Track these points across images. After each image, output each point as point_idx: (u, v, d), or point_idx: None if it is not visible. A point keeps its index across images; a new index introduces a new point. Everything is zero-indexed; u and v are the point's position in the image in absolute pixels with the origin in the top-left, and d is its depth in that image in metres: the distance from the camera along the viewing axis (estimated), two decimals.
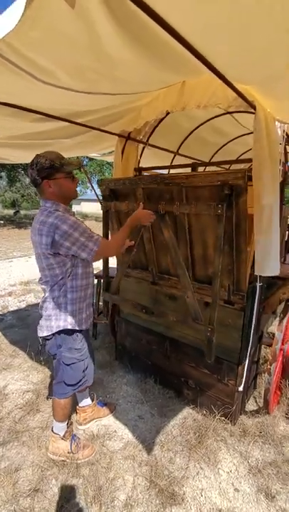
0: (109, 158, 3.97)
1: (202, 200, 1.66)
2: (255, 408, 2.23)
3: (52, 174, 1.47)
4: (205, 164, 2.34)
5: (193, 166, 2.19)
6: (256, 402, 2.29)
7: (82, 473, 1.67)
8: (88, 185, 28.33)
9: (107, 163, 19.93)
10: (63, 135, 2.23)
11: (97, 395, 2.26)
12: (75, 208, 37.16)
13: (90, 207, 38.45)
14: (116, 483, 1.62)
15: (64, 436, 1.79)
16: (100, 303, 3.34)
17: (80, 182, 27.11)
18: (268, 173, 1.58)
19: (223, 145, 3.58)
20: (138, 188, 1.88)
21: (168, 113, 2.20)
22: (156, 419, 2.08)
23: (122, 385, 2.45)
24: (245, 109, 1.65)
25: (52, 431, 1.82)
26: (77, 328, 1.66)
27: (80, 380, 1.75)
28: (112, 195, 2.10)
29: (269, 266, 1.63)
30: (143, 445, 1.86)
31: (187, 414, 2.14)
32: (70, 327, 1.62)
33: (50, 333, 1.62)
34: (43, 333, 1.65)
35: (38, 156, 1.48)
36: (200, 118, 2.87)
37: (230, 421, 1.99)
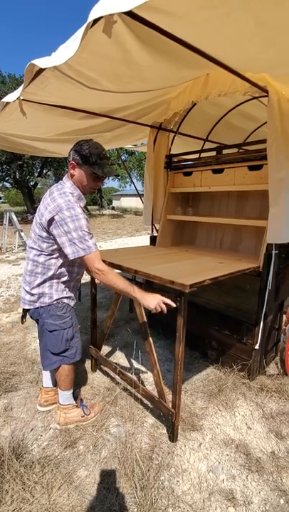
0: (144, 149, 4.30)
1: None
2: (275, 373, 2.42)
3: (82, 163, 1.51)
4: (228, 147, 2.54)
5: (218, 150, 2.42)
6: (277, 368, 2.48)
7: (119, 403, 2.07)
8: (127, 180, 29.04)
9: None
10: (104, 129, 2.62)
11: (131, 354, 2.64)
12: (115, 203, 38.48)
13: (128, 202, 39.45)
14: (145, 411, 1.98)
15: (76, 402, 1.86)
16: None
17: (119, 177, 27.83)
18: (280, 149, 1.77)
19: (255, 129, 3.69)
20: None
21: (195, 104, 2.45)
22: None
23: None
24: (260, 94, 1.85)
25: (60, 404, 1.82)
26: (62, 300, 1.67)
27: (66, 351, 1.70)
28: None
29: (281, 234, 1.83)
30: (170, 389, 2.19)
31: (210, 372, 2.41)
32: (54, 302, 1.64)
33: (32, 307, 1.66)
34: (25, 306, 1.66)
35: (89, 140, 1.54)
36: (228, 105, 3.05)
37: (249, 376, 2.22)
